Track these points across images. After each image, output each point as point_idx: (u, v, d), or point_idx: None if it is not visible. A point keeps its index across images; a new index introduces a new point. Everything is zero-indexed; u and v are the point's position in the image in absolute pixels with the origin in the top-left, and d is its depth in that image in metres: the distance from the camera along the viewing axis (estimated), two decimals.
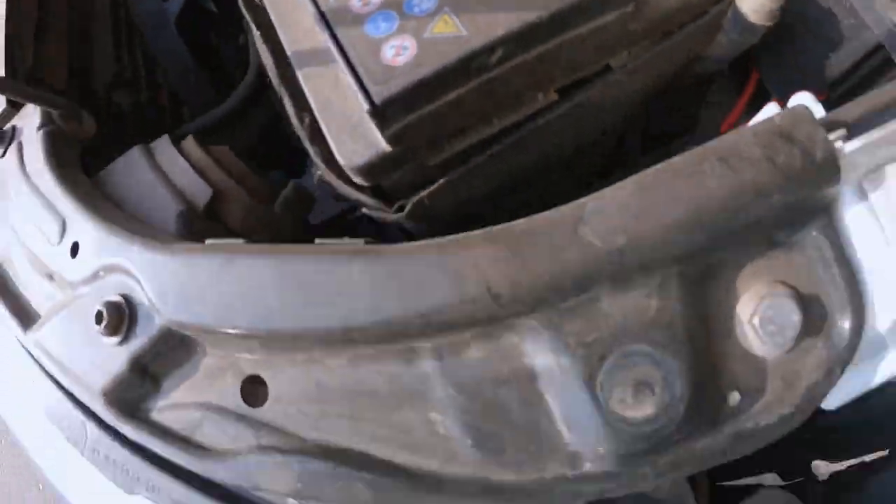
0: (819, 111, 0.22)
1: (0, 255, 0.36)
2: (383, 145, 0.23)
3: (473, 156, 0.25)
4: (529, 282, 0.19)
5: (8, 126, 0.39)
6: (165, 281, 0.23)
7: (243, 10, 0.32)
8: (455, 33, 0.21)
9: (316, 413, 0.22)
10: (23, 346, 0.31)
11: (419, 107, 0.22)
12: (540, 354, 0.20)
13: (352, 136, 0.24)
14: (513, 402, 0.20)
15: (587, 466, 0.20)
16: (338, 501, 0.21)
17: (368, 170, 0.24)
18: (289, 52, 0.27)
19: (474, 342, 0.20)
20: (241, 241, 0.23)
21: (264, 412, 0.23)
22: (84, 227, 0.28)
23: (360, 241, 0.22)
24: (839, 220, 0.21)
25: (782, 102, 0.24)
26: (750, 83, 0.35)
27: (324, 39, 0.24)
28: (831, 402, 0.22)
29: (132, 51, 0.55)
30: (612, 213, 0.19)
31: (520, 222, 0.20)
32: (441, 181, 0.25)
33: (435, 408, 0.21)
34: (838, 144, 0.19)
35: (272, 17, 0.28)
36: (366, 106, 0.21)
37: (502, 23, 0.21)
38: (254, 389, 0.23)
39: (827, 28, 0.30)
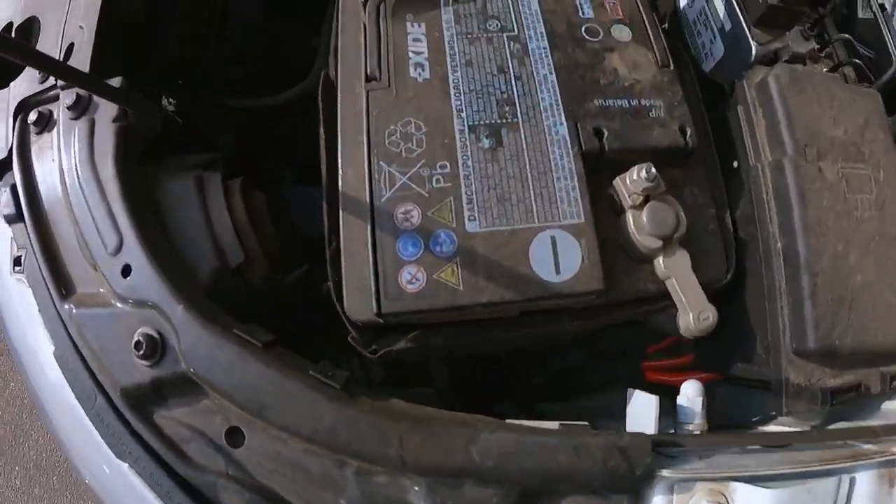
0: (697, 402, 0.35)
1: (49, 203, 0.45)
2: (375, 318, 0.34)
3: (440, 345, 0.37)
4: (424, 464, 0.32)
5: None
6: (196, 347, 0.35)
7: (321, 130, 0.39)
8: (454, 285, 0.32)
9: (270, 469, 0.35)
10: (54, 307, 0.42)
11: (410, 320, 0.33)
12: (416, 498, 0.33)
13: (360, 295, 0.35)
14: None
15: None
16: None
17: (361, 323, 0.35)
18: (340, 191, 0.36)
19: (382, 475, 0.33)
20: (260, 341, 0.35)
21: (238, 453, 0.35)
22: (139, 259, 0.38)
23: (338, 386, 0.33)
24: (646, 499, 0.34)
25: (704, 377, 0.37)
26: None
27: (368, 219, 0.34)
28: None
29: (215, 7, 0.60)
30: (491, 445, 0.32)
31: (440, 418, 0.33)
32: (403, 345, 0.36)
33: (345, 497, 0.34)
34: (660, 471, 0.32)
35: (339, 154, 0.37)
36: (374, 307, 0.32)
37: (486, 293, 0.32)
38: (235, 436, 0.36)
39: None
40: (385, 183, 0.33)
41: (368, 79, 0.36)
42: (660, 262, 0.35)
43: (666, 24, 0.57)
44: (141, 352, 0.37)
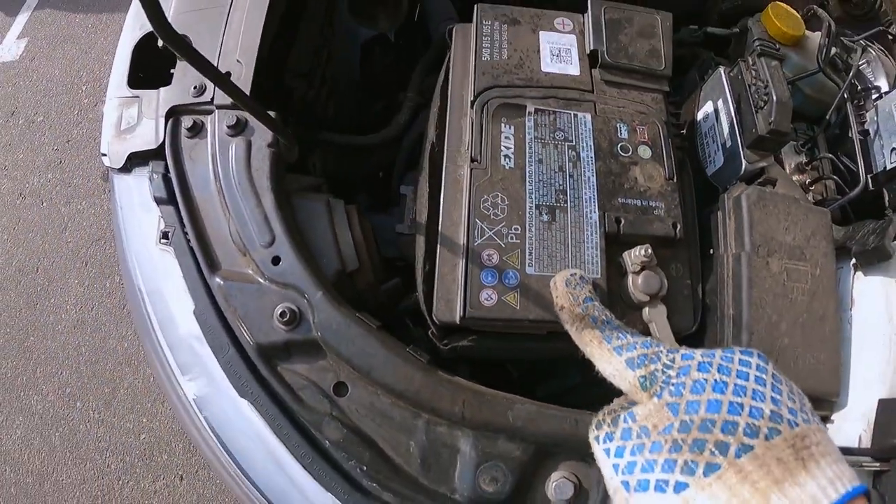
0: None
1: (200, 194, 0.69)
2: (456, 321, 0.59)
3: (490, 347, 0.62)
4: (476, 420, 0.56)
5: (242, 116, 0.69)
6: (329, 322, 0.58)
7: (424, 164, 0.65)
8: (513, 305, 0.57)
9: (364, 414, 0.58)
10: (201, 278, 0.65)
11: (480, 323, 0.58)
12: (464, 445, 0.57)
13: (446, 304, 0.59)
14: (445, 455, 0.58)
15: (457, 496, 0.58)
16: (351, 456, 0.58)
17: (441, 323, 0.60)
18: (439, 231, 0.61)
19: (444, 426, 0.57)
20: (374, 324, 0.59)
21: (341, 401, 0.59)
22: (288, 254, 0.61)
23: (425, 361, 0.58)
24: None
25: None
26: None
27: (461, 253, 0.59)
28: None
29: (324, 51, 0.85)
30: (522, 412, 0.56)
31: (489, 392, 0.57)
32: (465, 343, 0.61)
33: (414, 439, 0.58)
34: None
35: (441, 197, 0.62)
36: (459, 312, 0.57)
37: (533, 312, 0.57)
38: (341, 388, 0.59)
39: None
40: (477, 233, 0.58)
41: (472, 160, 0.61)
42: (646, 310, 0.60)
43: (684, 131, 0.85)
44: (284, 319, 0.60)
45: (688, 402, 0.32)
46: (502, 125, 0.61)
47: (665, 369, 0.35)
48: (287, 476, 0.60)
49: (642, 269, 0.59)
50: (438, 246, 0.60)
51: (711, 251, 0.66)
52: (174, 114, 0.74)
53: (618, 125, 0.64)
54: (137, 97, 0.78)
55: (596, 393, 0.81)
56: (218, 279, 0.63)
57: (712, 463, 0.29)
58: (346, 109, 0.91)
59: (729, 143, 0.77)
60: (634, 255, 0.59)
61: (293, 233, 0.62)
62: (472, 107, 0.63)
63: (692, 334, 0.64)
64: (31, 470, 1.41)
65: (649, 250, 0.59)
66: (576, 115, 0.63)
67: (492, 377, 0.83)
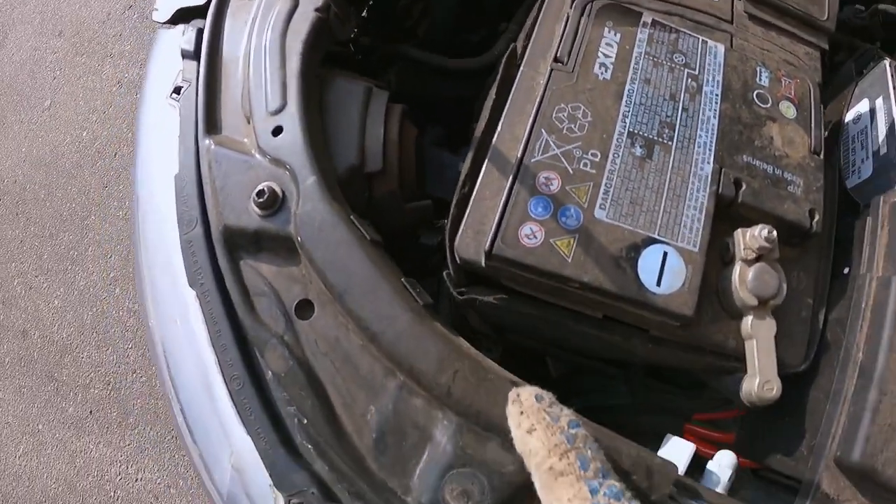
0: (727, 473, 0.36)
1: (227, 54, 0.51)
2: (482, 261, 0.37)
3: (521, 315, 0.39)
4: (467, 403, 0.34)
5: None
6: (312, 216, 0.39)
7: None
8: (565, 255, 0.35)
9: (323, 351, 0.38)
10: (195, 141, 0.47)
11: (513, 270, 0.36)
12: (441, 433, 0.35)
13: (474, 236, 0.38)
14: (412, 438, 0.35)
15: (408, 499, 0.35)
16: (292, 399, 0.37)
17: (462, 261, 0.38)
18: (492, 145, 0.40)
19: (420, 399, 0.35)
20: (368, 236, 0.38)
21: (300, 324, 0.38)
22: (293, 125, 0.42)
23: (420, 302, 0.36)
24: None
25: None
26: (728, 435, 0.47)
27: (512, 170, 0.37)
28: None
29: None
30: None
31: (498, 372, 0.35)
32: (490, 300, 0.39)
33: (378, 404, 0.36)
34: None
35: (503, 116, 0.40)
36: (487, 245, 0.35)
37: (590, 274, 0.34)
38: (306, 309, 0.39)
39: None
40: (540, 147, 0.37)
41: (557, 59, 0.40)
42: (748, 320, 0.36)
43: (826, 132, 0.60)
44: (261, 200, 0.41)
45: None
46: (606, 29, 0.40)
47: None
48: (210, 398, 0.40)
49: (757, 259, 0.36)
50: (486, 162, 0.38)
51: (846, 270, 0.41)
52: None
53: (758, 69, 0.41)
54: None
55: (646, 423, 0.56)
56: (209, 141, 0.45)
57: None
58: (440, 34, 0.72)
59: (883, 150, 0.51)
60: (751, 237, 0.36)
61: (310, 105, 0.43)
62: (570, 5, 0.42)
63: (799, 374, 0.39)
64: (57, 341, 1.30)
65: (773, 233, 0.35)
66: (705, 42, 0.41)
67: (524, 369, 0.59)
